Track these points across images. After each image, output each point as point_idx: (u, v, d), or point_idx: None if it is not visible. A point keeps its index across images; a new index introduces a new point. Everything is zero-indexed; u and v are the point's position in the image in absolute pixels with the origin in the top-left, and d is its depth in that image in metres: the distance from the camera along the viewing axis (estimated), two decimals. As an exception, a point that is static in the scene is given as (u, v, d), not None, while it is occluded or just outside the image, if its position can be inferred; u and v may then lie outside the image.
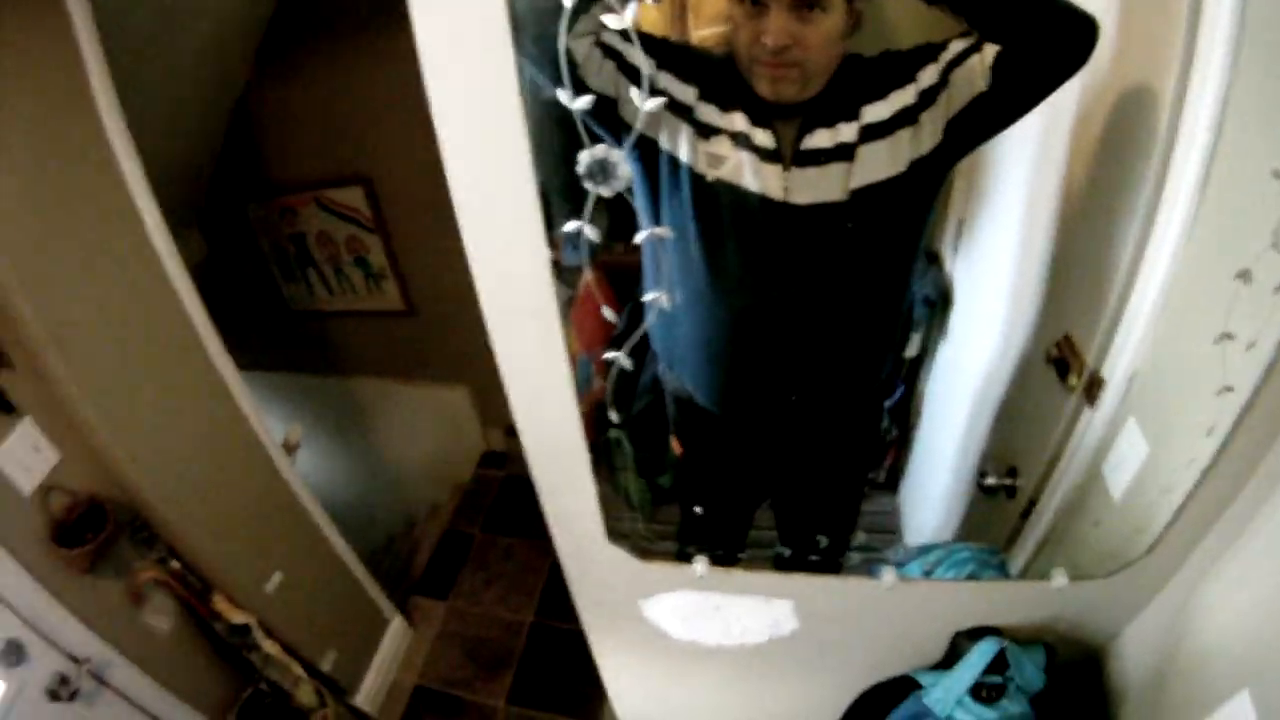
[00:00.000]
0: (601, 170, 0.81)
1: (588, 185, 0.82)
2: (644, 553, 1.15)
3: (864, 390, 1.34)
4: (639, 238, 1.05)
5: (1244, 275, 0.80)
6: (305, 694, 1.91)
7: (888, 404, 2.05)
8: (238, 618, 1.76)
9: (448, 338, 2.82)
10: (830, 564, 1.62)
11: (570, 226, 0.84)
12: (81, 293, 1.45)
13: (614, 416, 1.09)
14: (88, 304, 1.47)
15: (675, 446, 1.35)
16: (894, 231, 1.13)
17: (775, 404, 1.26)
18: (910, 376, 2.06)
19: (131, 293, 1.55)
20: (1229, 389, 0.84)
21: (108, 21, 1.42)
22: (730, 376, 1.24)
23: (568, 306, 1.49)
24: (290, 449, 2.01)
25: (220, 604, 1.74)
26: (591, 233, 0.84)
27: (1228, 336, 0.83)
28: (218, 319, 1.74)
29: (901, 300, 1.26)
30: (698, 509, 1.51)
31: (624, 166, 0.81)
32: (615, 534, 1.11)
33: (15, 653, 1.39)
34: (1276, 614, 0.85)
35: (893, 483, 2.32)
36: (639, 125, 0.95)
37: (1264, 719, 0.81)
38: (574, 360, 1.11)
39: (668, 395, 1.38)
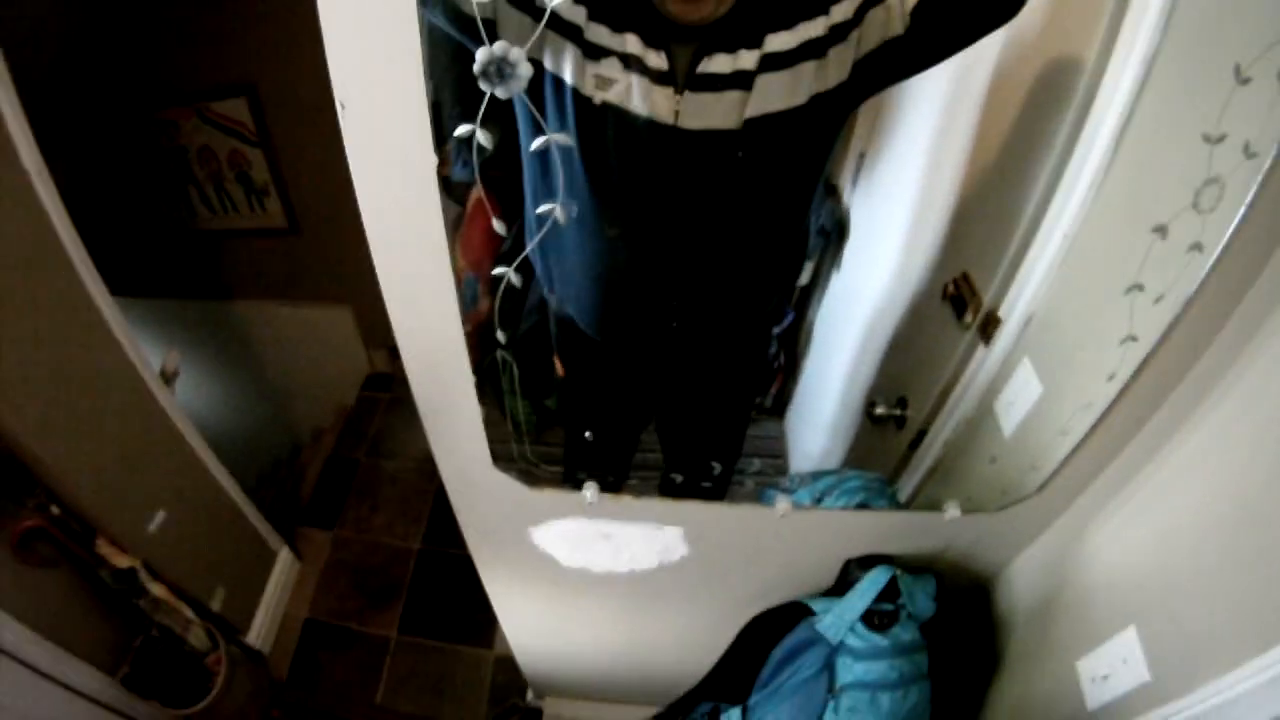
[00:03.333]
0: (499, 70, 0.71)
1: (484, 85, 0.71)
2: (531, 479, 1.07)
3: (749, 319, 1.30)
4: (536, 144, 0.98)
5: (1160, 230, 0.77)
6: (197, 637, 1.81)
7: (776, 330, 2.02)
8: (122, 562, 1.63)
9: (331, 257, 2.66)
10: (718, 489, 1.59)
11: (462, 130, 0.73)
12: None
13: (500, 336, 1.01)
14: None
15: (558, 368, 1.29)
16: (788, 164, 1.08)
17: (655, 332, 1.21)
18: (801, 304, 2.04)
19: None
20: (1133, 339, 0.82)
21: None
22: (609, 303, 1.18)
23: (456, 224, 1.37)
24: (168, 378, 1.85)
25: (104, 548, 1.60)
26: (484, 138, 0.73)
27: (1138, 288, 0.81)
28: (89, 242, 1.57)
29: (795, 233, 1.21)
30: (586, 434, 1.45)
31: (525, 65, 0.71)
32: (502, 459, 1.03)
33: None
34: (1163, 556, 0.85)
35: (779, 408, 2.32)
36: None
37: (1149, 653, 0.82)
38: (460, 278, 1.01)
39: (551, 316, 1.31)
